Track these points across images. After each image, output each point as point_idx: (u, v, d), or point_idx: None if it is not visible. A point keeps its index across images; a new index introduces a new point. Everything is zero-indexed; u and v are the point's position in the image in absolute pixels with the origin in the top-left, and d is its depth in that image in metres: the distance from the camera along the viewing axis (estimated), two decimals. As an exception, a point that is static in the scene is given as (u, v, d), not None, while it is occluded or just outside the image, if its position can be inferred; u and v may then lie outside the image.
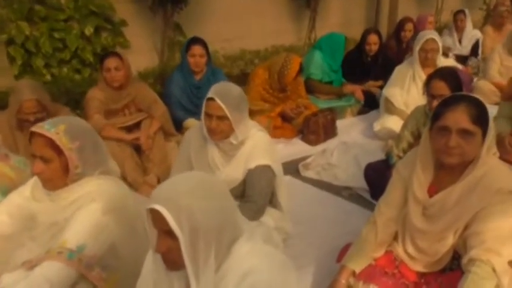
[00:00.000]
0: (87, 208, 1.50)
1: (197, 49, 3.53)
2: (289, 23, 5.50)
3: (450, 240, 1.63)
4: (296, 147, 3.67)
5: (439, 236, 1.65)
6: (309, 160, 3.31)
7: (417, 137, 2.59)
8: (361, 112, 4.42)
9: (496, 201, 1.53)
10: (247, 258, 1.11)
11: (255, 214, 2.16)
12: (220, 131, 2.08)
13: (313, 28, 5.47)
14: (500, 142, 3.01)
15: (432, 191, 1.69)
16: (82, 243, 1.44)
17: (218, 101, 2.02)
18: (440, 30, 6.04)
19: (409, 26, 5.10)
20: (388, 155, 2.72)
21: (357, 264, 1.76)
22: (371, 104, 4.37)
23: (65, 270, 1.40)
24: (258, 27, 5.08)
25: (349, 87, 4.44)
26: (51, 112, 2.80)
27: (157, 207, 1.06)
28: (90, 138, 1.58)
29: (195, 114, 3.41)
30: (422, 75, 3.43)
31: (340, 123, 4.01)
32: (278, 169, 2.23)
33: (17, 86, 2.79)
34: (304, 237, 2.41)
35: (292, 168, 3.26)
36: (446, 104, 1.59)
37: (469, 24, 5.75)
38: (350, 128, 4.05)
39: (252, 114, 3.78)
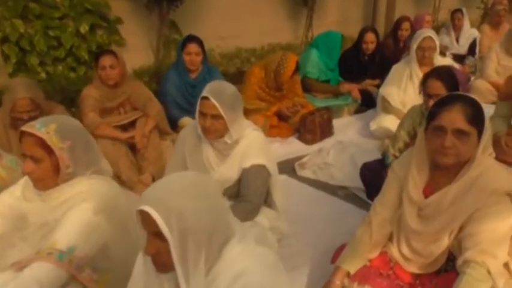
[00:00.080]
0: (78, 208, 1.48)
1: (193, 47, 3.51)
2: (286, 21, 5.48)
3: (445, 242, 1.62)
4: (292, 146, 3.66)
5: (434, 237, 1.64)
6: (305, 159, 3.30)
7: (413, 136, 2.58)
8: (358, 111, 4.41)
9: (491, 202, 1.52)
10: (238, 260, 1.09)
11: (249, 214, 2.15)
12: (215, 130, 2.07)
13: (310, 26, 5.45)
14: (496, 142, 3.01)
15: (428, 191, 1.67)
16: (73, 244, 1.42)
17: (212, 99, 2.00)
18: (437, 29, 6.03)
19: (406, 25, 5.09)
20: (384, 155, 2.71)
21: (352, 265, 1.74)
22: (368, 103, 4.35)
23: (54, 271, 1.38)
24: (254, 25, 5.05)
25: (346, 86, 4.42)
26: (45, 110, 2.78)
27: (147, 208, 1.05)
28: (82, 138, 1.56)
29: (191, 112, 3.38)
30: (419, 74, 3.41)
31: (336, 122, 3.99)
32: (273, 168, 2.22)
33: (11, 85, 2.78)
34: (300, 237, 2.40)
35: (288, 167, 3.24)
36: (442, 104, 1.58)
37: (466, 23, 5.74)
38: (346, 127, 4.03)
39: (248, 113, 3.77)
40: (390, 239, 1.80)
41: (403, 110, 3.43)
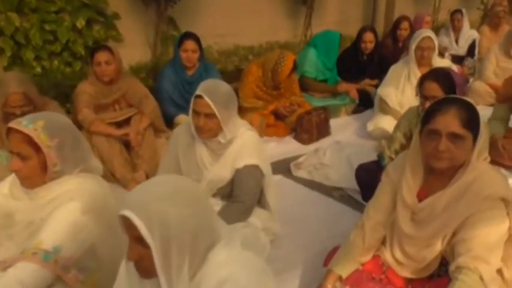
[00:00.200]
0: (65, 207, 1.45)
1: (190, 44, 3.49)
2: (285, 20, 5.44)
3: (438, 247, 1.60)
4: (288, 146, 3.63)
5: (427, 242, 1.62)
6: (301, 159, 3.27)
7: (409, 138, 2.55)
8: (355, 111, 4.39)
9: (485, 208, 1.50)
10: (223, 266, 1.06)
11: (242, 214, 2.13)
12: (208, 129, 2.04)
13: (310, 25, 5.41)
14: (493, 145, 2.99)
15: (422, 195, 1.65)
16: (58, 244, 1.40)
17: (206, 98, 1.98)
18: (437, 30, 6.01)
19: (405, 25, 5.06)
20: (380, 156, 2.68)
21: (344, 269, 1.72)
22: (366, 103, 4.33)
23: (39, 271, 1.35)
24: (253, 23, 5.01)
25: (343, 86, 4.40)
26: (38, 106, 2.75)
27: (128, 213, 1.02)
28: (70, 135, 1.53)
29: (187, 110, 3.29)
30: (417, 74, 3.39)
31: (333, 122, 3.97)
32: (267, 169, 2.19)
33: (3, 79, 2.74)
34: (293, 238, 2.38)
35: (283, 167, 3.22)
36: (437, 107, 1.56)
37: (466, 24, 5.72)
38: (344, 127, 4.01)
39: (245, 111, 3.76)
40: (383, 242, 1.78)
41: (400, 111, 3.41)
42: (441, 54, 5.01)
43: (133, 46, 4.11)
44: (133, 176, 2.92)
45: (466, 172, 1.54)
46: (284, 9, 5.38)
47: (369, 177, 2.62)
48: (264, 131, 3.77)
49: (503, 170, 3.07)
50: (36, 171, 1.48)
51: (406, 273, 1.72)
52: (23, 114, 2.31)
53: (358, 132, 3.91)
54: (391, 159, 2.56)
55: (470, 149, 1.52)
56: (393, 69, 3.75)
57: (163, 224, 1.01)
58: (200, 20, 4.47)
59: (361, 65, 4.58)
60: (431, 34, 3.58)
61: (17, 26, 3.46)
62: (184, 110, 3.48)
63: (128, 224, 1.04)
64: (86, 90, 3.08)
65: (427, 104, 2.28)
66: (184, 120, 3.17)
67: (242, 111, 3.78)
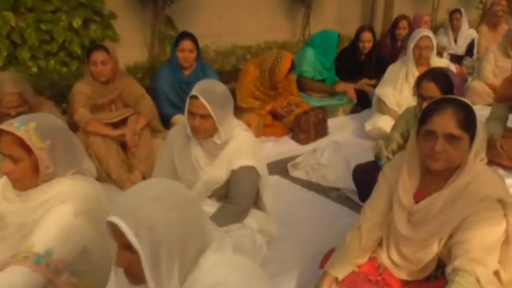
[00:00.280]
0: (57, 210, 1.43)
1: (186, 44, 3.47)
2: (283, 19, 5.43)
3: (434, 248, 1.59)
4: (286, 146, 3.62)
5: (423, 244, 1.60)
6: (298, 160, 3.26)
7: (407, 138, 2.53)
8: (353, 111, 4.37)
9: (481, 209, 1.49)
10: (214, 270, 1.04)
11: (238, 216, 2.12)
12: (204, 130, 2.03)
13: (308, 25, 5.40)
14: (491, 144, 2.98)
15: (418, 196, 1.64)
16: (50, 247, 1.38)
17: (201, 99, 1.96)
18: (436, 29, 5.99)
19: (404, 24, 5.04)
20: (377, 156, 2.67)
21: (340, 271, 1.71)
22: (364, 102, 4.31)
23: (30, 275, 1.33)
24: (251, 23, 5.00)
25: (341, 86, 4.38)
26: (33, 106, 2.73)
27: (115, 219, 1.00)
28: (63, 137, 1.51)
29: (184, 110, 3.32)
30: (416, 74, 3.37)
31: (331, 122, 3.95)
32: (263, 170, 2.18)
33: (-2, 79, 2.72)
34: (289, 239, 2.36)
35: (280, 167, 3.21)
36: (434, 107, 1.54)
37: (464, 24, 5.70)
38: (341, 127, 3.99)
39: (243, 111, 3.74)
40: (380, 244, 1.77)
41: (398, 110, 3.40)
42: (439, 54, 4.99)
43: (130, 46, 4.10)
44: (129, 177, 2.91)
45: (462, 173, 1.53)
46: (282, 8, 5.37)
47: (366, 177, 2.60)
48: (262, 131, 3.76)
49: (501, 170, 3.07)
50: (28, 174, 1.46)
51: (403, 275, 1.70)
52: (18, 114, 2.30)
53: (356, 132, 3.89)
54: (389, 159, 2.55)
55: (466, 150, 1.51)
56: (391, 69, 3.73)
57: (152, 230, 1.00)
58: (197, 20, 4.46)
59: (359, 65, 4.57)
60: (430, 33, 3.57)
61: (13, 25, 3.46)
62: (181, 110, 3.46)
63: (115, 231, 1.02)
64: (82, 90, 3.06)
65: (424, 104, 2.26)
66: (181, 120, 3.15)
67: (240, 111, 3.77)
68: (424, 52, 3.50)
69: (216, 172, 2.12)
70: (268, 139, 3.71)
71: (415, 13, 5.70)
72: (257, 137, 3.60)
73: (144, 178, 2.91)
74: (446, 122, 1.48)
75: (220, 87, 2.05)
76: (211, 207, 2.15)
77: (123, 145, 3.06)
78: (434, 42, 3.58)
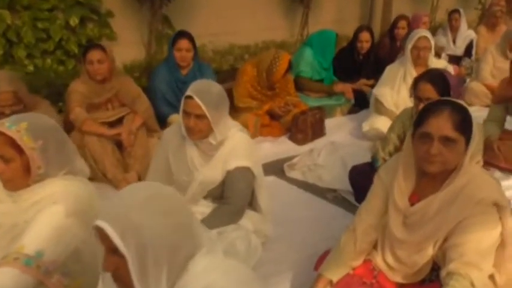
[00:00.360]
0: (48, 211, 1.42)
1: (183, 43, 3.46)
2: (282, 19, 5.41)
3: (429, 251, 1.58)
4: (283, 146, 3.61)
5: (418, 247, 1.59)
6: (295, 160, 3.24)
7: (403, 140, 2.52)
8: (351, 111, 4.36)
9: (477, 212, 1.48)
10: (203, 275, 1.03)
11: (233, 217, 2.10)
12: (199, 130, 2.01)
13: (306, 24, 5.38)
14: (488, 146, 2.97)
15: (414, 199, 1.63)
16: (41, 249, 1.37)
17: (196, 99, 1.95)
18: (434, 30, 5.99)
19: (403, 24, 5.03)
20: (374, 158, 2.66)
21: (335, 273, 1.70)
22: (361, 103, 4.31)
23: (20, 277, 1.32)
24: (249, 22, 4.98)
25: (339, 87, 4.37)
26: (28, 105, 2.72)
27: (101, 223, 0.99)
28: (55, 137, 1.50)
29: (181, 109, 3.34)
30: (413, 74, 3.36)
31: (329, 123, 3.94)
32: (258, 170, 2.16)
33: (-8, 78, 2.70)
34: (285, 240, 2.35)
35: (277, 168, 3.19)
36: (430, 109, 1.53)
37: (463, 24, 5.69)
38: (339, 127, 3.98)
39: (240, 111, 3.73)
40: (375, 246, 1.76)
41: (396, 111, 3.39)
42: (438, 55, 4.99)
43: (128, 44, 4.08)
44: (124, 177, 2.89)
45: (458, 176, 1.51)
46: (280, 8, 5.35)
47: (362, 178, 2.58)
48: (259, 131, 3.75)
49: (498, 172, 3.06)
50: (19, 174, 1.44)
51: (398, 278, 1.69)
52: (13, 113, 2.27)
53: (353, 132, 3.88)
54: (385, 160, 2.53)
55: (462, 153, 1.50)
56: (389, 70, 3.72)
57: (138, 234, 0.98)
58: (195, 19, 4.43)
59: (357, 65, 4.56)
60: (428, 34, 3.56)
61: (9, 23, 3.43)
62: (177, 109, 3.36)
63: (102, 235, 1.01)
64: (78, 89, 3.04)
65: (421, 106, 2.25)
66: (177, 120, 3.12)
67: (237, 111, 3.76)
68: (422, 53, 3.49)
69: (211, 173, 2.10)
70: (265, 139, 3.70)
71: (414, 14, 5.68)
72: (254, 137, 3.61)
73: (140, 178, 2.90)
74: (442, 124, 1.47)
75: (215, 88, 2.03)
76: (206, 207, 2.14)
77: (119, 144, 3.05)
78: (432, 42, 3.57)
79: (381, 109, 3.64)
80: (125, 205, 1.02)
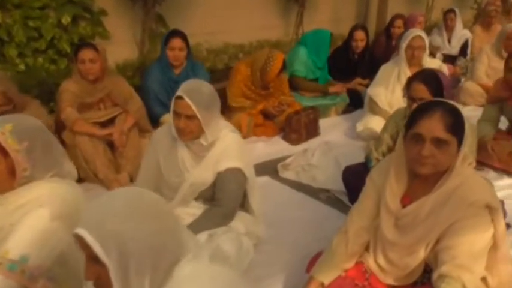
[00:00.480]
0: (34, 214, 1.38)
1: (176, 42, 3.43)
2: (276, 18, 5.38)
3: (421, 254, 1.56)
4: (277, 146, 3.59)
5: (410, 249, 1.58)
6: (288, 160, 3.22)
7: (397, 140, 2.51)
8: (345, 111, 4.35)
9: (469, 215, 1.46)
10: (188, 281, 1.00)
11: (224, 219, 2.08)
12: (190, 131, 1.99)
13: (301, 24, 5.36)
14: (483, 146, 2.96)
15: (406, 201, 1.61)
16: (26, 253, 1.33)
17: (187, 99, 1.92)
18: (430, 29, 5.98)
19: (399, 23, 5.03)
20: (367, 158, 2.64)
21: (326, 276, 1.68)
22: (356, 102, 4.29)
23: (3, 282, 1.29)
24: (243, 21, 4.95)
25: (334, 88, 4.34)
26: (18, 105, 2.69)
27: (81, 232, 0.96)
28: (41, 139, 1.47)
29: (174, 109, 3.31)
30: (408, 74, 3.34)
31: (323, 123, 3.93)
32: (250, 172, 2.14)
33: (-18, 78, 2.67)
34: (277, 242, 2.32)
35: (270, 168, 3.17)
36: (422, 110, 1.51)
37: (459, 24, 5.68)
38: (333, 127, 3.97)
39: (233, 111, 3.71)
40: (367, 248, 1.74)
41: (390, 111, 3.37)
42: (433, 54, 4.98)
43: (121, 43, 4.04)
44: (116, 177, 2.86)
45: (450, 177, 1.50)
46: (275, 7, 5.33)
47: (355, 179, 2.56)
48: (253, 130, 3.72)
49: (492, 172, 3.05)
50: (4, 176, 1.41)
51: (389, 280, 1.68)
52: (2, 113, 2.24)
53: (347, 132, 3.87)
54: (378, 161, 2.52)
55: (454, 154, 1.48)
56: (383, 69, 3.70)
57: (119, 242, 0.96)
58: (189, 17, 4.40)
59: (352, 64, 4.55)
60: (422, 33, 3.55)
61: (0, 22, 3.38)
62: (170, 109, 3.42)
63: (82, 243, 0.98)
64: (69, 88, 3.01)
65: (415, 106, 2.23)
66: (170, 119, 3.11)
67: (230, 110, 3.73)
68: (417, 52, 3.48)
69: (202, 174, 2.08)
70: (259, 139, 3.68)
71: (409, 13, 5.67)
72: (248, 137, 3.59)
73: (131, 179, 2.87)
74: (434, 125, 1.46)
75: (207, 88, 2.01)
76: (197, 209, 2.12)
77: (111, 145, 3.02)
78: (427, 42, 3.56)
79: (375, 109, 3.63)
80: (105, 212, 0.99)
